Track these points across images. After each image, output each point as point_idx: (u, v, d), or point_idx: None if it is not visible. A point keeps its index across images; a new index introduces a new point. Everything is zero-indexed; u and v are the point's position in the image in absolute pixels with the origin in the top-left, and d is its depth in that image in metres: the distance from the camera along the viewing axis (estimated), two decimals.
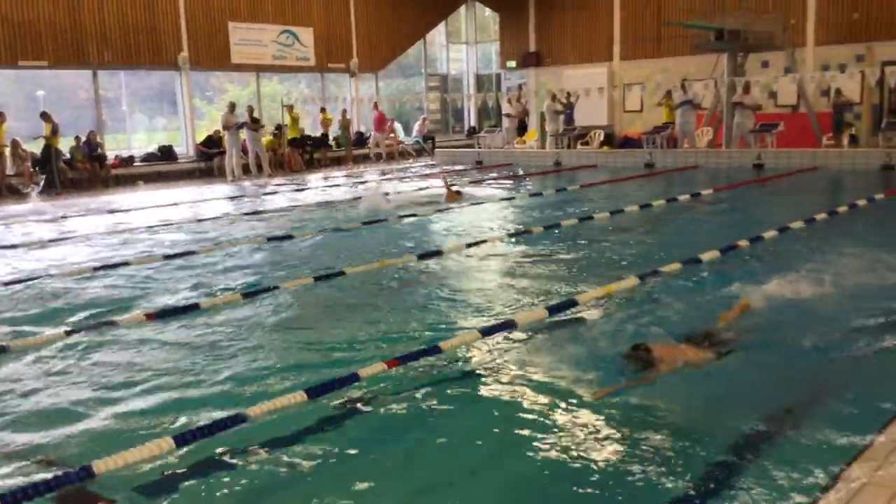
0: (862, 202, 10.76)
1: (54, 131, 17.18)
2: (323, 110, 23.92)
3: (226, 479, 3.59)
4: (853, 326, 5.36)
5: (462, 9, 29.49)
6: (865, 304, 5.80)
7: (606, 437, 3.82)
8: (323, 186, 16.88)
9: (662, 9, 23.06)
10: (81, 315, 6.38)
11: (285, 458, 3.75)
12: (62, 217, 13.08)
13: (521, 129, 24.52)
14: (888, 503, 2.93)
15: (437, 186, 14.30)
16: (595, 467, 3.53)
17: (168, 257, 8.74)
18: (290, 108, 21.69)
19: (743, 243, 8.09)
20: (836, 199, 11.99)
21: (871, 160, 15.83)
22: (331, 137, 23.82)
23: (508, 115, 23.58)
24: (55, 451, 3.90)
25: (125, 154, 20.34)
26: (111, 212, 13.60)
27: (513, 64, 27.25)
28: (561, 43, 25.98)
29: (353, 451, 3.81)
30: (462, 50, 30.53)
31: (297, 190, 16.38)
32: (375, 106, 23.79)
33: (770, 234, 8.57)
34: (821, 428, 3.79)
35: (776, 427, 3.91)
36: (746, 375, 4.60)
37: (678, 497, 3.27)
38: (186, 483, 3.56)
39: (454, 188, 13.42)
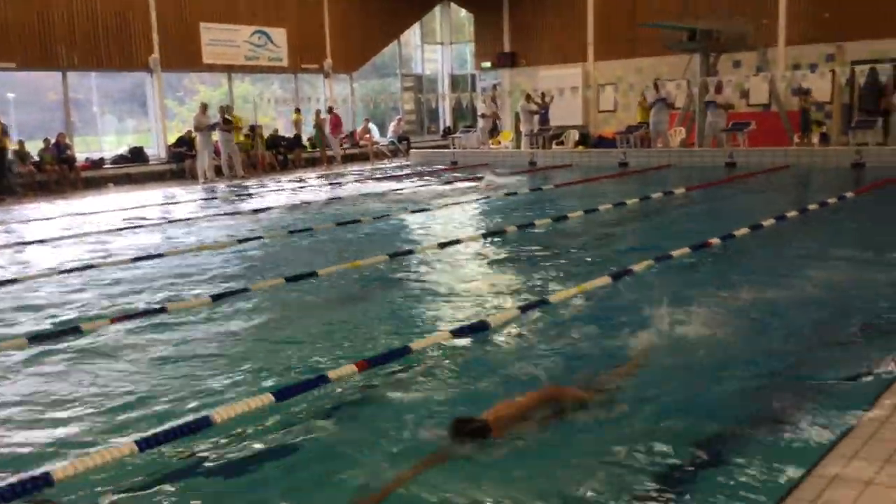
0: (832, 200, 10.83)
1: (4, 131, 16.89)
2: (297, 111, 23.76)
3: (190, 485, 3.51)
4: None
5: (437, 9, 29.45)
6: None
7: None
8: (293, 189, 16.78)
9: (636, 10, 23.15)
10: (45, 320, 6.26)
11: (251, 462, 3.68)
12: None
13: (496, 129, 24.51)
14: None
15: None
16: None
17: (136, 259, 8.62)
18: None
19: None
20: (806, 198, 12.06)
21: (842, 158, 15.98)
22: (304, 138, 23.67)
23: (483, 116, 23.56)
24: (14, 458, 3.80)
25: (95, 156, 20.09)
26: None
27: (488, 64, 27.26)
28: (536, 43, 26.00)
29: (324, 453, 3.75)
30: (437, 50, 30.49)
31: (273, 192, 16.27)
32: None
33: (740, 232, 8.60)
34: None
35: None
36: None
37: None
38: (149, 489, 3.47)
39: (485, 181, 14.90)
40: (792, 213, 9.76)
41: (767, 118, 19.32)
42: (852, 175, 14.75)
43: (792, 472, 3.24)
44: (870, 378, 4.31)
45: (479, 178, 14.78)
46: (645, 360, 4.77)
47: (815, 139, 18.25)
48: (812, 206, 10.34)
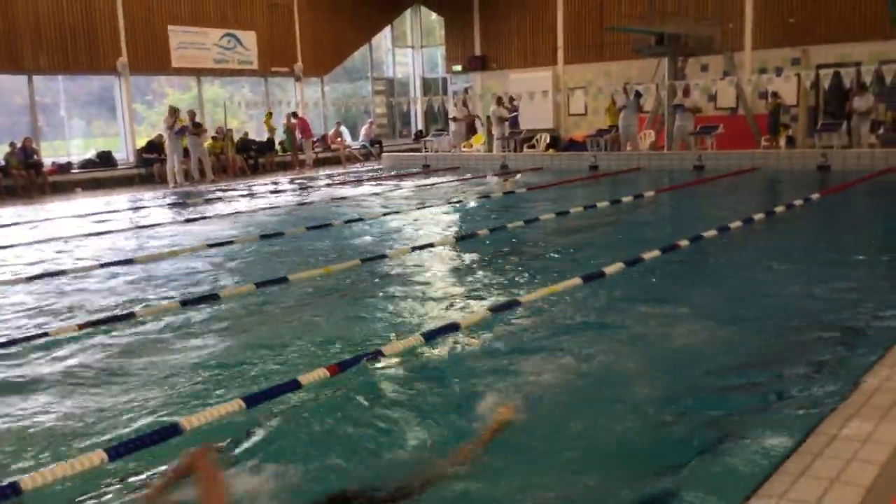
0: (798, 202, 11.01)
1: None
2: (269, 114, 23.61)
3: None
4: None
5: (407, 13, 29.47)
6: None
7: None
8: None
9: (605, 14, 23.35)
10: (11, 326, 6.17)
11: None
12: None
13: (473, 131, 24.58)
14: None
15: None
16: None
17: (104, 265, 8.53)
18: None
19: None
20: (771, 200, 12.24)
21: (808, 161, 16.23)
22: (276, 142, 23.54)
23: (455, 119, 23.60)
24: None
25: (63, 160, 19.82)
26: None
27: (458, 68, 27.33)
28: (506, 47, 26.13)
29: (295, 460, 3.74)
30: (408, 54, 30.50)
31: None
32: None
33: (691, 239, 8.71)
34: None
35: None
36: None
37: None
38: (120, 499, 3.44)
39: (510, 180, 15.43)
40: (759, 216, 9.91)
41: (735, 121, 19.58)
42: (818, 177, 14.98)
43: None
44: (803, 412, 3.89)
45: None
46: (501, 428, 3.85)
47: (782, 142, 18.52)
48: (779, 209, 10.51)
